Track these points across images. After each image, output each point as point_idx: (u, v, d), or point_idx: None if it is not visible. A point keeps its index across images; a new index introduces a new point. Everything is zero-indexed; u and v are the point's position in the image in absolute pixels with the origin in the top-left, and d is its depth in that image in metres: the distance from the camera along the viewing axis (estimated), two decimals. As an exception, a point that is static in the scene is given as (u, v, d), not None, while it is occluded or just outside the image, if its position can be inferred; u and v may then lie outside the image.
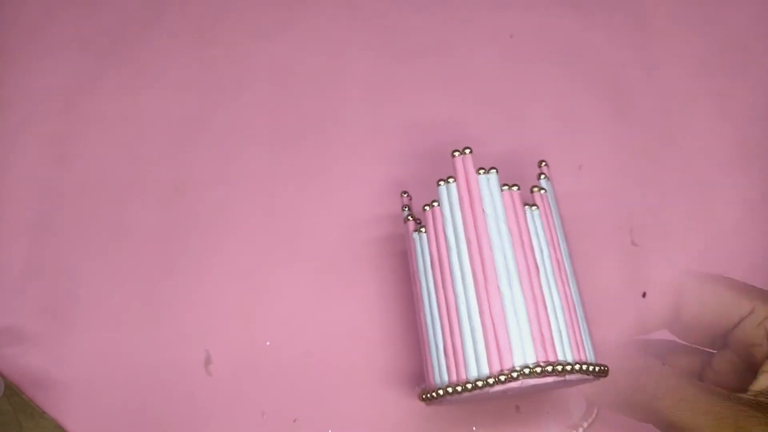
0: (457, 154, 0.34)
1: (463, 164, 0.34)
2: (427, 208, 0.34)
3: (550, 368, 0.29)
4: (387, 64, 0.47)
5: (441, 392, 0.31)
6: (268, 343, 0.40)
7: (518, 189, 0.34)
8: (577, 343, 0.31)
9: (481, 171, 0.33)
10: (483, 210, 0.32)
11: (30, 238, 0.43)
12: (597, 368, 0.31)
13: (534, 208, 0.34)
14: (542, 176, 0.36)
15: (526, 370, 0.29)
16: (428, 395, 0.32)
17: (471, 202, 0.33)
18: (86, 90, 0.47)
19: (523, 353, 0.30)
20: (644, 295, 0.41)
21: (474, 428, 0.38)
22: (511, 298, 0.31)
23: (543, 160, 0.37)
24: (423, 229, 0.34)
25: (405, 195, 0.38)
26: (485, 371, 0.30)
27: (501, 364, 0.30)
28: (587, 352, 0.32)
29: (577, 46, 0.48)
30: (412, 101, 0.46)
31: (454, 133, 0.45)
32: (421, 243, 0.34)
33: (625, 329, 0.40)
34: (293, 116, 0.46)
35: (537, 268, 0.32)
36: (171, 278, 0.42)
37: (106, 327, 0.41)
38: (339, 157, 0.45)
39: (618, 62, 0.47)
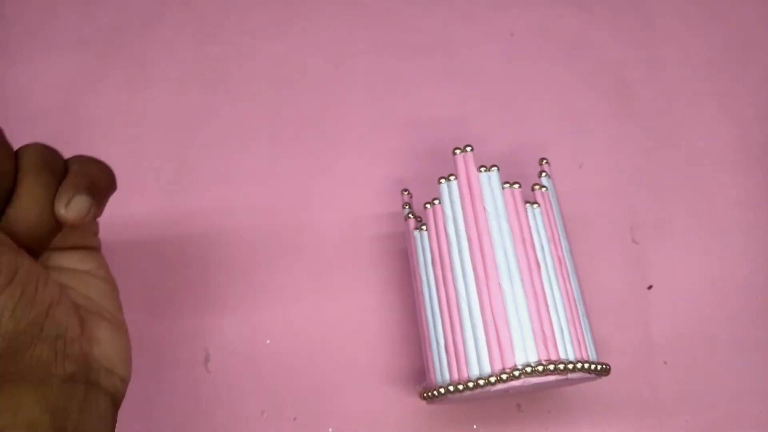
0: (458, 152, 0.34)
1: (464, 162, 0.34)
2: (428, 205, 0.34)
3: (552, 367, 0.29)
4: (388, 63, 0.47)
5: (442, 391, 0.31)
6: (268, 342, 0.40)
7: (519, 187, 0.34)
8: (578, 341, 0.31)
9: (482, 169, 0.33)
10: (484, 207, 0.33)
11: (30, 237, 0.43)
12: (599, 367, 0.31)
13: (535, 205, 0.34)
14: (543, 174, 0.36)
15: (528, 369, 0.29)
16: (429, 394, 0.32)
17: (472, 200, 0.33)
18: (87, 88, 0.47)
19: (525, 351, 0.30)
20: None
21: (475, 426, 0.38)
22: (512, 294, 0.31)
23: (544, 158, 0.37)
24: (424, 227, 0.34)
25: (406, 193, 0.38)
26: (487, 370, 0.30)
27: (503, 362, 0.30)
28: (589, 350, 0.32)
29: (579, 44, 0.48)
30: (412, 99, 0.46)
31: (455, 131, 0.45)
32: (422, 240, 0.34)
33: (626, 326, 0.40)
34: (294, 115, 0.46)
35: (538, 264, 0.32)
36: (171, 276, 0.42)
37: (106, 325, 0.41)
38: (340, 155, 0.45)
39: (620, 60, 0.47)
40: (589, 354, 0.32)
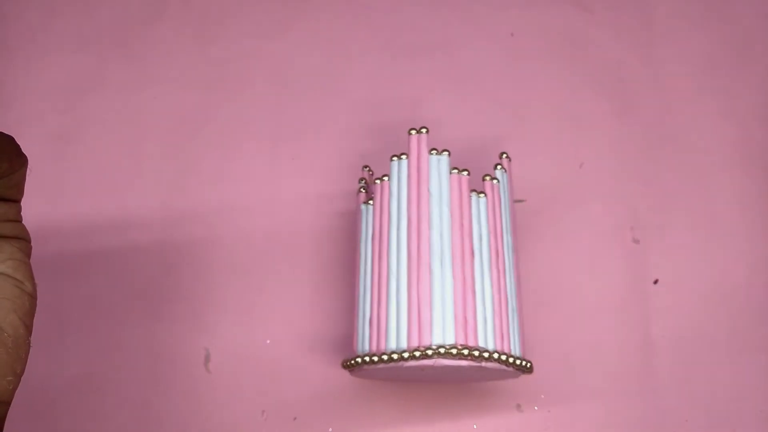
0: (413, 132, 0.34)
1: (417, 143, 0.34)
2: (377, 181, 0.34)
3: (465, 352, 0.29)
4: (388, 63, 0.47)
5: (359, 360, 0.31)
6: (268, 342, 0.40)
7: (468, 174, 0.34)
8: (502, 334, 0.31)
9: (434, 152, 0.34)
10: (428, 190, 0.33)
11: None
12: (518, 362, 0.31)
13: (481, 195, 0.34)
14: (498, 167, 0.36)
15: (441, 350, 0.29)
16: (348, 363, 0.32)
17: (418, 181, 0.33)
18: (87, 88, 0.47)
19: (443, 333, 0.30)
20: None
21: (475, 426, 0.38)
22: (440, 278, 0.31)
23: (504, 152, 0.37)
24: (371, 201, 0.34)
25: (366, 169, 0.38)
26: (403, 345, 0.30)
27: (419, 340, 0.30)
28: (512, 344, 0.32)
29: (579, 44, 0.48)
30: (412, 99, 0.46)
31: (455, 131, 0.45)
32: (367, 214, 0.35)
33: (626, 326, 0.40)
34: (294, 115, 0.46)
35: (472, 253, 0.32)
36: (171, 275, 0.42)
37: (106, 325, 0.41)
38: (340, 155, 0.45)
39: (620, 60, 0.47)
40: (512, 348, 0.32)
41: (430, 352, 0.29)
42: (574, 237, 0.42)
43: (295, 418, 0.38)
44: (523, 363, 0.32)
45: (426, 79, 0.47)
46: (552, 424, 0.38)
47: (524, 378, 0.38)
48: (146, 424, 0.38)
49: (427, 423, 0.38)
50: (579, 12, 0.49)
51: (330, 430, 0.38)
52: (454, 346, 0.29)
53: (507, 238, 0.34)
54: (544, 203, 0.43)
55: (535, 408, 0.38)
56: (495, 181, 0.35)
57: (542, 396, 0.38)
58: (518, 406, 0.38)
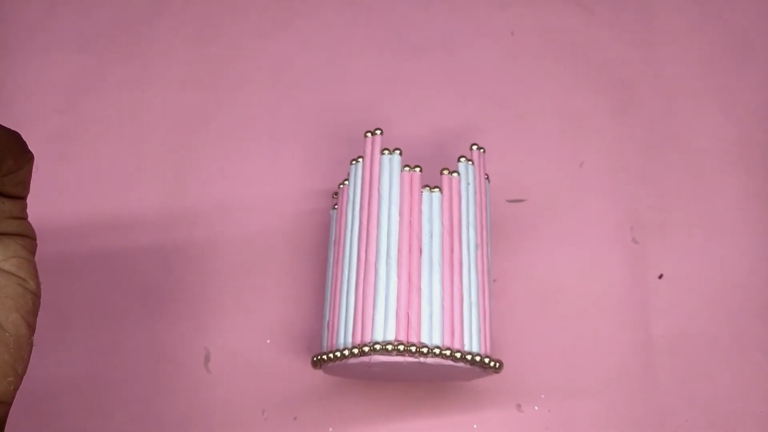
0: (368, 135, 0.34)
1: (371, 145, 0.34)
2: (341, 186, 0.34)
3: (401, 347, 0.30)
4: (387, 61, 0.47)
5: (316, 359, 0.32)
6: (268, 342, 0.40)
7: (420, 170, 0.33)
8: (452, 330, 0.31)
9: (386, 152, 0.34)
10: (378, 191, 0.33)
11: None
12: (470, 357, 0.31)
13: (435, 190, 0.33)
14: (462, 158, 0.35)
15: (377, 347, 0.30)
16: (312, 360, 0.33)
17: (371, 183, 0.33)
18: (87, 87, 0.47)
19: (384, 331, 0.30)
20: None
21: (475, 426, 0.38)
22: (385, 278, 0.31)
23: (475, 143, 0.36)
24: (336, 206, 0.35)
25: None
26: (349, 343, 0.31)
27: (362, 338, 0.31)
28: (468, 340, 0.31)
29: (579, 44, 0.48)
30: (412, 99, 0.46)
31: (456, 131, 0.45)
32: (333, 219, 0.35)
33: (626, 326, 0.40)
34: (294, 114, 0.46)
35: (420, 251, 0.32)
36: (170, 275, 0.42)
37: (106, 324, 0.41)
38: (339, 155, 0.45)
39: (620, 59, 0.47)
40: (468, 345, 0.31)
41: (366, 348, 0.30)
42: (574, 237, 0.42)
43: (295, 418, 0.38)
44: (478, 359, 0.31)
45: (426, 78, 0.47)
46: (552, 424, 0.38)
47: (524, 378, 0.38)
48: (146, 424, 0.38)
49: (428, 422, 0.38)
50: (579, 12, 0.49)
51: (330, 430, 0.38)
52: (390, 342, 0.30)
53: (468, 233, 0.33)
54: (544, 203, 0.43)
55: (535, 408, 0.38)
56: (454, 175, 0.34)
57: (542, 396, 0.38)
58: (518, 406, 0.38)
